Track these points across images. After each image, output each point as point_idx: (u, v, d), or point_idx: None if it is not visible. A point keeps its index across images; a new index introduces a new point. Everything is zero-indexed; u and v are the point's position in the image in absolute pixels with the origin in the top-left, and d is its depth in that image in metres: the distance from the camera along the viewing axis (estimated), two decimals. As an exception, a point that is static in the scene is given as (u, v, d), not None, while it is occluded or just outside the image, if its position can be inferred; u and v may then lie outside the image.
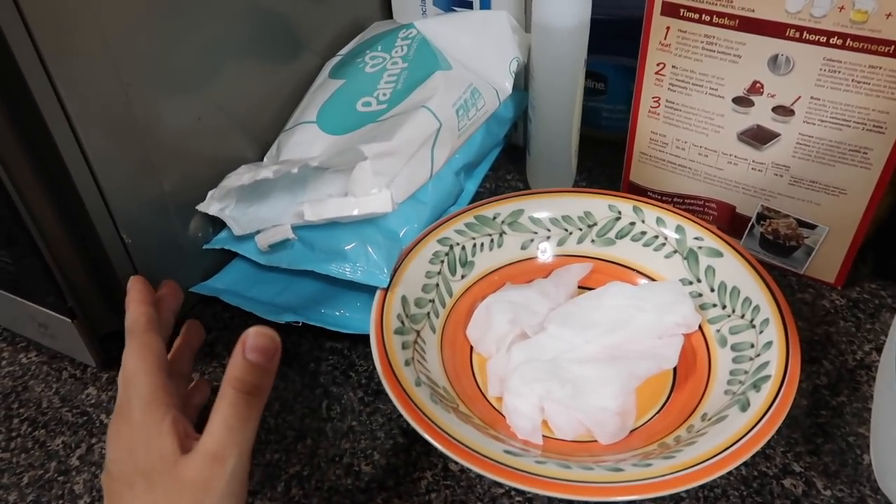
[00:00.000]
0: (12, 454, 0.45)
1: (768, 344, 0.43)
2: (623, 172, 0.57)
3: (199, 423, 0.34)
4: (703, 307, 0.48)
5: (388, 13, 0.65)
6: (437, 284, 0.49)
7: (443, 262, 0.50)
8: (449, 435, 0.38)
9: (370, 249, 0.47)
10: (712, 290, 0.48)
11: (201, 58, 0.47)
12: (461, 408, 0.42)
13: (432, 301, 0.48)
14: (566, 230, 0.52)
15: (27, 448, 0.45)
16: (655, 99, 0.52)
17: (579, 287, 0.51)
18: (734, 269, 0.47)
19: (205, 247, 0.51)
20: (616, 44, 0.58)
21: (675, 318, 0.46)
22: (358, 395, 0.47)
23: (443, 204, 0.55)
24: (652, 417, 0.43)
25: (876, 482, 0.41)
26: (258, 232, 0.49)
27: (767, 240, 0.53)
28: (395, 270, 0.48)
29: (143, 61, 0.42)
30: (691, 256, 0.49)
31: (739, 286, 0.47)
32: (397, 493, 0.42)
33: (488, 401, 0.45)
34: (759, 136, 0.49)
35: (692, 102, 0.50)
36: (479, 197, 0.60)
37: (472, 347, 0.48)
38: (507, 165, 0.65)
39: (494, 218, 0.52)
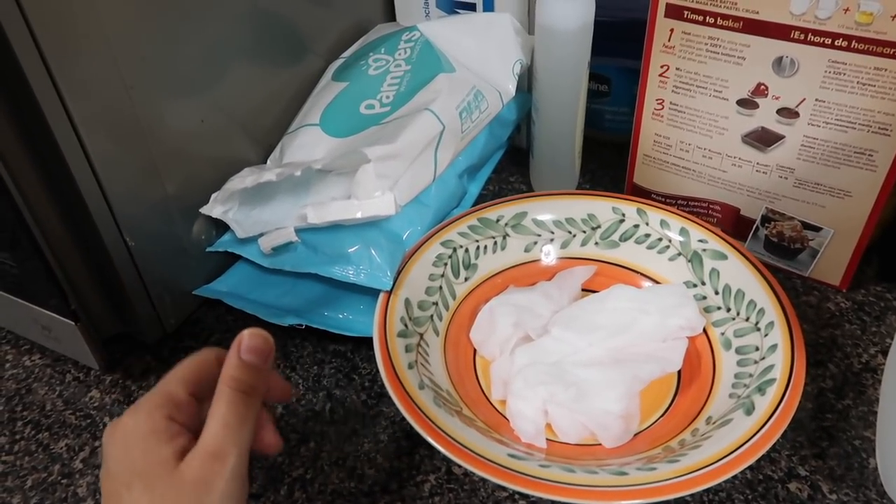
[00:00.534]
0: (16, 457, 0.45)
1: (773, 347, 0.42)
2: (627, 175, 0.57)
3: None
4: (707, 310, 0.47)
5: (391, 15, 0.65)
6: (441, 287, 0.49)
7: (446, 264, 0.50)
8: (452, 438, 0.38)
9: (373, 252, 0.47)
10: (717, 293, 0.48)
11: (204, 60, 0.47)
12: (465, 411, 0.42)
13: (436, 304, 0.48)
14: (570, 232, 0.52)
15: (31, 451, 0.45)
16: (659, 101, 0.51)
17: (583, 290, 0.50)
18: (739, 272, 0.47)
19: (208, 249, 0.51)
20: (619, 46, 0.58)
21: (679, 321, 0.46)
22: (361, 398, 0.47)
23: (446, 206, 0.55)
24: (656, 421, 0.43)
25: (882, 486, 0.40)
26: (261, 235, 0.49)
27: (772, 242, 0.53)
28: (399, 273, 0.47)
29: (146, 64, 0.42)
30: (695, 259, 0.49)
31: (744, 289, 0.46)
32: (400, 497, 0.42)
33: (492, 404, 0.44)
34: (763, 139, 0.49)
35: (696, 104, 0.50)
36: (483, 199, 0.60)
37: (475, 350, 0.48)
38: (510, 168, 0.65)
39: (498, 220, 0.52)
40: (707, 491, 0.41)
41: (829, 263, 0.51)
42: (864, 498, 0.41)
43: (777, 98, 0.46)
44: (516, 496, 0.42)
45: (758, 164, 0.50)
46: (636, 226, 0.51)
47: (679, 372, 0.45)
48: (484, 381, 0.46)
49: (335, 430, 0.45)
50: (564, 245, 0.52)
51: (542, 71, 0.54)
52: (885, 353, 0.48)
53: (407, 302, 0.47)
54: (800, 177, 0.49)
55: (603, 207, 0.52)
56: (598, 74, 0.61)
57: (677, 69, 0.49)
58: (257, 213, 0.50)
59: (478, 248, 0.51)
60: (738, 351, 0.44)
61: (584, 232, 0.52)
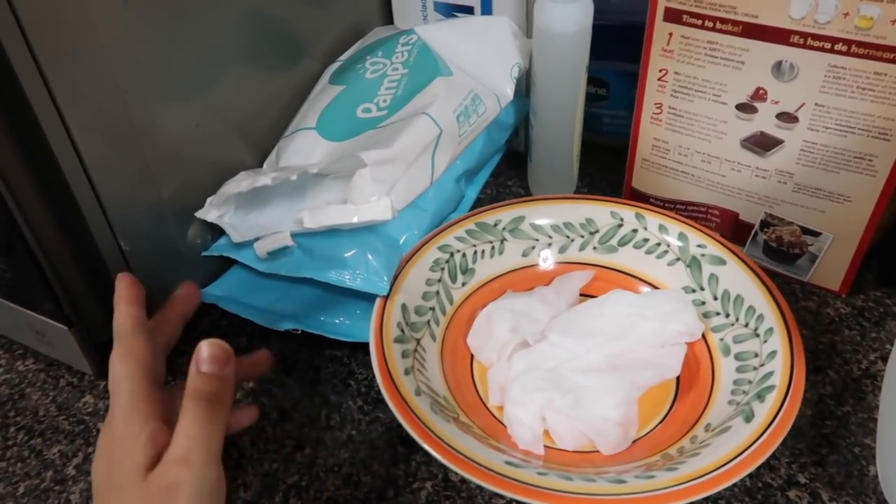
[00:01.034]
0: (8, 463, 0.45)
1: (772, 353, 0.42)
2: (625, 179, 0.57)
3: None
4: (706, 316, 0.47)
5: (388, 19, 0.65)
6: (438, 292, 0.49)
7: (443, 269, 0.49)
8: (449, 446, 0.37)
9: (370, 257, 0.47)
10: (715, 299, 0.47)
11: (200, 63, 0.46)
12: (462, 418, 0.42)
13: (432, 309, 0.48)
14: (568, 237, 0.52)
15: (23, 457, 0.45)
16: (658, 105, 0.51)
17: (581, 295, 0.50)
18: (738, 278, 0.47)
19: (203, 254, 0.51)
20: (618, 49, 0.57)
21: (678, 326, 0.46)
22: (357, 404, 0.47)
23: (443, 211, 0.55)
24: (654, 428, 0.43)
25: (882, 494, 0.40)
26: (257, 239, 0.49)
27: (771, 247, 0.52)
28: (395, 278, 0.47)
29: (141, 67, 0.42)
30: (694, 264, 0.49)
31: (743, 294, 0.46)
32: (397, 504, 0.41)
33: (489, 410, 0.44)
34: (762, 143, 0.48)
35: (695, 109, 0.50)
36: (480, 203, 0.60)
37: (472, 356, 0.47)
38: (507, 172, 0.65)
39: (495, 225, 0.52)
40: (706, 499, 0.40)
41: (828, 268, 0.51)
42: (864, 506, 0.40)
43: (776, 102, 0.46)
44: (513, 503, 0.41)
45: (757, 168, 0.50)
46: (635, 230, 0.51)
47: (677, 378, 0.45)
48: (481, 387, 0.45)
49: (331, 436, 0.45)
50: (562, 250, 0.52)
51: (540, 74, 0.54)
52: (884, 359, 0.48)
53: (404, 307, 0.46)
54: (799, 181, 0.48)
55: (601, 212, 0.52)
56: (596, 78, 0.61)
57: (676, 73, 0.49)
58: (253, 218, 0.50)
59: (475, 252, 0.51)
60: (737, 357, 0.44)
61: (583, 236, 0.52)
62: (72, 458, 0.45)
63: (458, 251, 0.50)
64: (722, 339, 0.46)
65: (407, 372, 0.42)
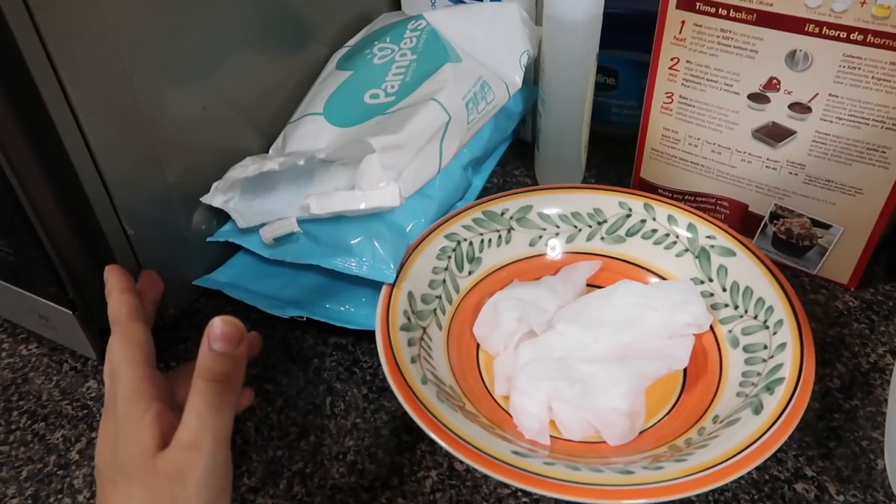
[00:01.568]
0: (11, 447, 0.44)
1: (782, 346, 0.42)
2: (634, 169, 0.56)
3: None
4: (714, 307, 0.47)
5: (396, 4, 0.65)
6: (444, 280, 0.48)
7: (450, 257, 0.49)
8: (457, 435, 0.37)
9: (377, 244, 0.46)
10: (724, 290, 0.47)
11: (207, 47, 0.46)
12: (468, 406, 0.41)
13: (439, 297, 0.48)
14: (576, 227, 0.52)
15: (26, 441, 0.45)
16: (669, 94, 0.51)
17: (588, 285, 0.50)
18: (747, 269, 0.46)
19: (208, 239, 0.51)
20: (628, 38, 0.57)
21: (686, 317, 0.45)
22: (362, 392, 0.46)
23: (450, 199, 0.54)
24: (662, 419, 0.43)
25: (890, 487, 0.40)
26: (263, 225, 0.48)
27: (780, 239, 0.52)
28: (402, 266, 0.47)
29: (147, 50, 0.42)
30: (703, 255, 0.49)
31: (752, 286, 0.46)
32: (401, 493, 0.41)
33: (495, 400, 0.44)
34: (774, 134, 0.48)
35: (706, 98, 0.49)
36: (487, 192, 0.60)
37: (478, 345, 0.47)
38: (514, 161, 0.64)
39: (503, 214, 0.51)
40: (713, 491, 0.40)
41: (837, 261, 0.51)
42: (872, 499, 0.40)
43: (789, 92, 0.46)
44: (519, 493, 0.41)
45: (768, 159, 0.49)
46: (643, 221, 0.51)
47: (685, 370, 0.45)
48: (487, 377, 0.45)
49: (335, 423, 0.45)
50: (570, 239, 0.52)
51: (549, 63, 0.53)
52: (893, 352, 0.48)
53: (410, 295, 0.46)
54: (810, 173, 0.48)
55: (609, 202, 0.51)
56: (605, 67, 0.60)
57: (688, 62, 0.48)
58: (259, 203, 0.49)
59: (482, 241, 0.51)
60: (745, 349, 0.44)
61: (590, 226, 0.52)
62: (75, 443, 0.44)
63: (465, 240, 0.50)
64: (730, 331, 0.45)
65: (413, 360, 0.42)
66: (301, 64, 0.56)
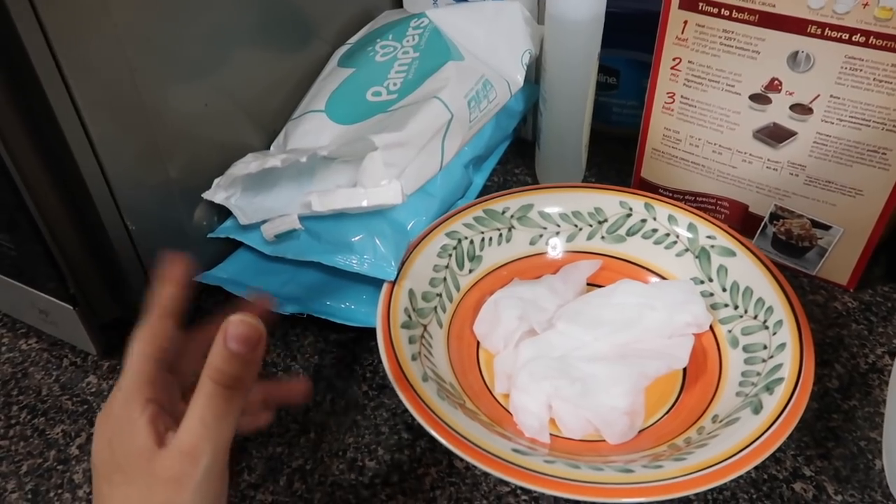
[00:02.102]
0: (11, 442, 0.44)
1: (782, 346, 0.42)
2: (634, 169, 0.57)
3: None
4: (714, 307, 0.47)
5: (398, 2, 0.65)
6: (445, 279, 0.48)
7: (451, 255, 0.49)
8: (456, 432, 0.37)
9: (378, 241, 0.46)
10: (724, 290, 0.47)
11: (209, 43, 0.46)
12: (468, 404, 0.41)
13: (439, 295, 0.48)
14: (576, 226, 0.52)
15: (26, 436, 0.45)
16: (670, 94, 0.51)
17: (588, 284, 0.50)
18: (747, 269, 0.47)
19: (209, 235, 0.51)
20: (630, 38, 0.57)
21: (686, 317, 0.45)
22: (362, 389, 0.47)
23: (451, 197, 0.54)
24: (661, 418, 0.43)
25: (888, 488, 0.40)
26: (264, 222, 0.48)
27: (780, 240, 0.52)
28: (403, 263, 0.47)
29: (150, 46, 0.41)
30: (703, 255, 0.49)
31: (752, 286, 0.46)
32: (401, 490, 0.41)
33: (495, 398, 0.44)
34: (775, 135, 0.48)
35: (708, 99, 0.49)
36: (488, 191, 0.60)
37: (478, 343, 0.47)
38: (515, 160, 0.64)
39: (503, 212, 0.51)
40: (712, 490, 0.40)
41: (836, 262, 0.51)
42: (870, 499, 0.40)
43: (791, 94, 0.46)
44: (518, 491, 0.41)
45: (768, 160, 0.49)
46: (643, 220, 0.51)
47: (684, 369, 0.45)
48: (487, 375, 0.45)
49: (335, 420, 0.45)
50: (570, 238, 0.52)
51: (551, 61, 0.53)
52: (892, 354, 0.48)
53: (411, 293, 0.46)
54: (811, 174, 0.48)
55: (610, 201, 0.52)
56: (606, 66, 0.60)
57: (690, 62, 0.48)
58: (260, 200, 0.49)
59: (483, 239, 0.51)
60: (745, 349, 0.44)
61: (591, 226, 0.52)
62: (75, 438, 0.44)
63: (466, 238, 0.50)
64: (730, 331, 0.45)
65: (414, 358, 0.42)
66: (303, 61, 0.56)
